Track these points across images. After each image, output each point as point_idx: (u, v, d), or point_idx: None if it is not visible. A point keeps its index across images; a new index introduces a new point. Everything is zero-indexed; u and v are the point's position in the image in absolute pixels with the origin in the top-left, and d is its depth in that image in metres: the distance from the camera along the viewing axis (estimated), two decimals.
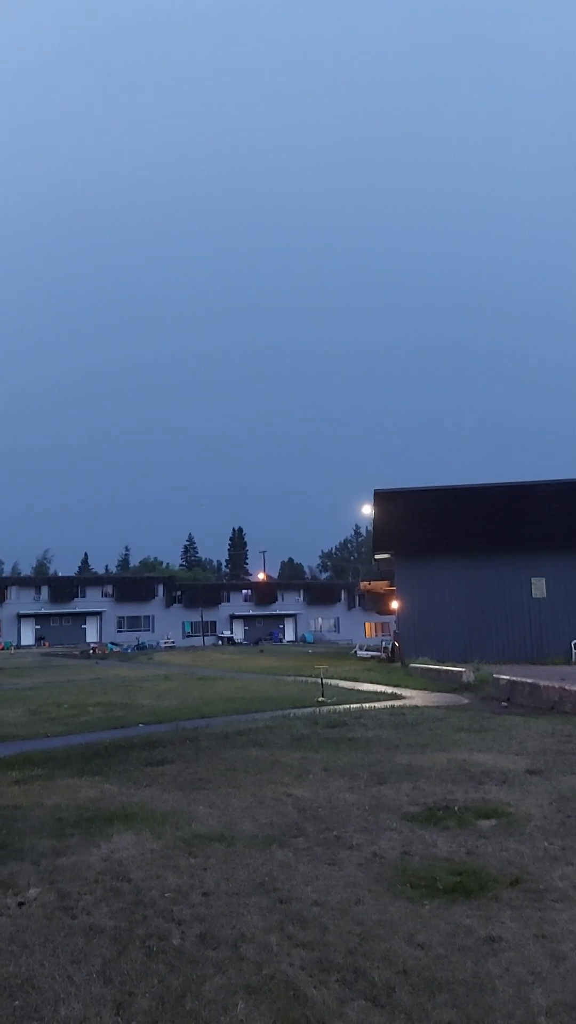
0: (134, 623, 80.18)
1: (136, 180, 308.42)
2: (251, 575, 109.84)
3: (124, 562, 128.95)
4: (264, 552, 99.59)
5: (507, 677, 19.95)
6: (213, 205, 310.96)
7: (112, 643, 71.75)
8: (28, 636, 75.98)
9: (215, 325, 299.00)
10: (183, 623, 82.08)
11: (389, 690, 21.85)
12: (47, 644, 72.04)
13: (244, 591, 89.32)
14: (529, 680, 18.51)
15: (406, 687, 22.89)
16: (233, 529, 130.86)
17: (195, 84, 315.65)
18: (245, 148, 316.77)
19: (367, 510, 44.21)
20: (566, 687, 16.51)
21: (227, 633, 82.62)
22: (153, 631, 79.37)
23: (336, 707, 17.08)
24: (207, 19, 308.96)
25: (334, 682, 24.01)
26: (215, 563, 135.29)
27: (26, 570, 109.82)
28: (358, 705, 17.53)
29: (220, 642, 78.86)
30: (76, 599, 79.90)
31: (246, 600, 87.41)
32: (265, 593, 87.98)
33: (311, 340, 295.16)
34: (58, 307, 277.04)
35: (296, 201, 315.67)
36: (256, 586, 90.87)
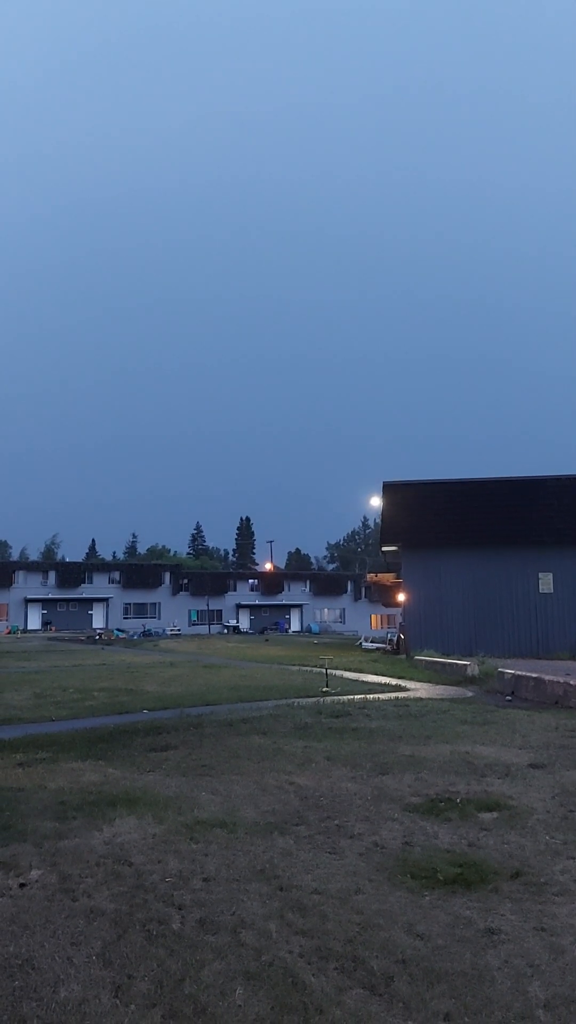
0: (140, 610, 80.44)
1: (148, 185, 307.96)
2: (258, 565, 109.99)
3: (131, 549, 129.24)
4: (271, 542, 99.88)
5: (512, 671, 19.92)
6: (227, 208, 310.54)
7: (118, 629, 72.00)
8: (35, 621, 76.32)
9: (227, 321, 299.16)
10: (189, 611, 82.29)
11: (393, 682, 21.85)
12: (53, 629, 72.37)
13: (251, 581, 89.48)
14: (534, 674, 18.48)
15: (411, 679, 22.88)
16: (241, 519, 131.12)
17: (205, 91, 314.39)
18: (256, 155, 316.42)
19: (375, 502, 44.14)
20: (571, 682, 16.48)
21: (233, 622, 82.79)
22: (159, 618, 79.63)
23: (340, 697, 17.09)
24: (221, 27, 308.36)
25: (339, 673, 24.03)
26: (222, 552, 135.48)
27: (34, 555, 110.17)
28: (362, 696, 17.53)
29: (226, 631, 79.01)
30: (83, 585, 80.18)
31: (252, 590, 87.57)
32: (272, 583, 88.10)
33: (323, 333, 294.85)
34: (71, 300, 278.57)
35: (304, 204, 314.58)
36: (263, 576, 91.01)
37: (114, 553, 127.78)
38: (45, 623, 75.63)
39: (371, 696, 17.54)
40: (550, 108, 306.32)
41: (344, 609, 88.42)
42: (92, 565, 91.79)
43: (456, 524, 36.83)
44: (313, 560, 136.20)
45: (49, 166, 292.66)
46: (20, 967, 4.12)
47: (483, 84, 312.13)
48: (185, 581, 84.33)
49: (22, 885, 5.32)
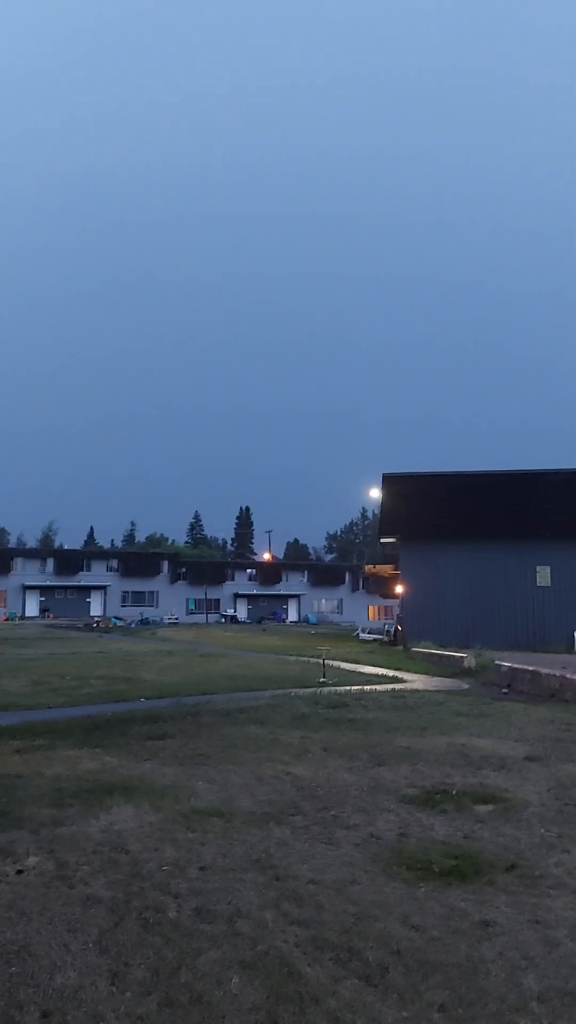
0: (138, 598, 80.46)
1: (148, 164, 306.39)
2: (256, 554, 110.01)
3: (130, 537, 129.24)
4: (270, 532, 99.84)
5: (508, 664, 19.97)
6: (226, 191, 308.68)
7: (116, 617, 72.04)
8: (33, 607, 76.33)
9: (226, 306, 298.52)
10: (187, 600, 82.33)
11: (390, 673, 21.89)
12: (51, 616, 72.39)
13: (249, 570, 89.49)
14: (530, 667, 18.53)
15: (407, 671, 22.94)
16: (240, 508, 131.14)
17: (205, 71, 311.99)
18: (255, 136, 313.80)
19: (375, 493, 44.15)
20: (567, 675, 16.53)
21: (231, 611, 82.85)
22: (157, 607, 79.65)
23: (337, 688, 17.13)
24: (217, 8, 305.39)
25: (336, 663, 24.08)
26: (221, 541, 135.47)
27: (31, 542, 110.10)
28: (359, 687, 17.58)
29: (223, 620, 79.08)
30: (81, 572, 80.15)
31: (251, 579, 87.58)
32: (270, 573, 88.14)
33: (323, 323, 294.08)
34: (70, 286, 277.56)
35: (307, 187, 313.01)
36: (261, 566, 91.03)
37: (112, 541, 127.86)
38: (43, 610, 75.63)
39: (368, 687, 17.58)
40: (551, 89, 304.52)
41: (342, 600, 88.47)
42: (90, 553, 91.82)
43: (455, 516, 36.88)
44: (311, 550, 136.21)
45: (45, 146, 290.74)
46: (17, 953, 4.14)
47: (486, 59, 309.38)
48: (183, 570, 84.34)
49: (19, 872, 5.34)
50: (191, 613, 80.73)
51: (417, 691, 17.23)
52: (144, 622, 70.69)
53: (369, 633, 50.07)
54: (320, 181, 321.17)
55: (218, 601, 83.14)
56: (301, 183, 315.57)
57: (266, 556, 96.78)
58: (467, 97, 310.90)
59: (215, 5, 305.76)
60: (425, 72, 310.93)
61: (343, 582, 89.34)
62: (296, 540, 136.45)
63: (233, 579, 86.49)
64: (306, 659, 26.44)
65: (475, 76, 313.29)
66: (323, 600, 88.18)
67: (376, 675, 21.35)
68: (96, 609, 77.77)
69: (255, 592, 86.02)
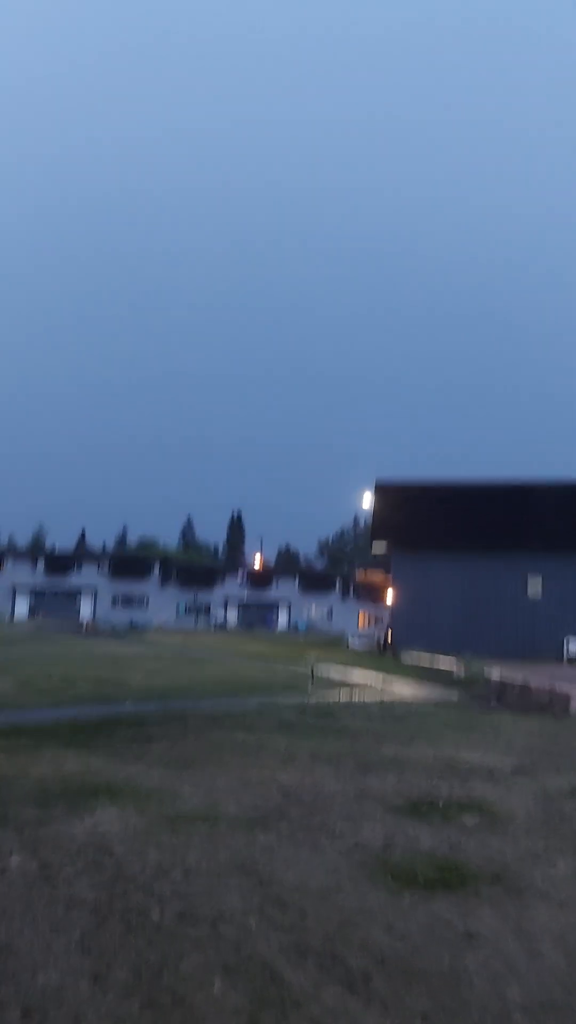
0: (128, 601, 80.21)
1: (147, 188, 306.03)
2: (248, 560, 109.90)
3: (122, 540, 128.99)
4: (262, 538, 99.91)
5: (498, 675, 19.99)
6: (220, 173, 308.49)
7: (105, 620, 71.83)
8: (22, 608, 76.07)
9: (220, 311, 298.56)
10: (177, 604, 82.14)
11: (379, 682, 21.88)
12: (41, 617, 72.14)
13: (239, 575, 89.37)
14: (519, 678, 18.56)
15: (396, 679, 22.91)
16: (232, 513, 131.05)
17: (206, 99, 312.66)
18: (255, 124, 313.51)
19: (367, 501, 44.18)
20: (556, 688, 16.55)
21: (220, 616, 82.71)
22: (147, 610, 79.41)
23: (325, 696, 17.11)
24: (221, 36, 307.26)
25: (325, 671, 24.05)
26: (212, 546, 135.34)
27: (22, 543, 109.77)
28: (347, 695, 17.56)
29: (213, 625, 78.92)
30: (71, 574, 79.94)
31: (241, 584, 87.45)
32: (260, 579, 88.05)
33: (318, 328, 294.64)
34: (62, 288, 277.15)
35: (302, 176, 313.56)
36: (252, 571, 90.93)
37: (104, 543, 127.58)
38: (32, 611, 75.40)
39: (356, 696, 17.56)
40: (548, 97, 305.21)
41: (332, 607, 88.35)
42: (81, 554, 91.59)
43: (447, 525, 36.97)
44: (302, 557, 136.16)
45: (30, 162, 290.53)
46: None
47: (491, 38, 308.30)
48: (174, 574, 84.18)
49: (1, 871, 5.31)
50: (181, 617, 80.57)
51: (405, 700, 17.22)
52: (133, 625, 70.51)
53: (359, 640, 50.03)
54: (309, 193, 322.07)
55: (208, 606, 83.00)
56: (298, 168, 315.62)
57: (257, 561, 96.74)
58: (466, 103, 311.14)
59: (216, 34, 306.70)
60: (426, 49, 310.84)
61: (333, 589, 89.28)
62: (287, 546, 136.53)
63: (223, 584, 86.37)
64: (295, 666, 26.40)
65: (478, 54, 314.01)
66: (313, 607, 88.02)
67: (365, 684, 21.34)
68: (86, 611, 77.49)
69: (245, 598, 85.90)
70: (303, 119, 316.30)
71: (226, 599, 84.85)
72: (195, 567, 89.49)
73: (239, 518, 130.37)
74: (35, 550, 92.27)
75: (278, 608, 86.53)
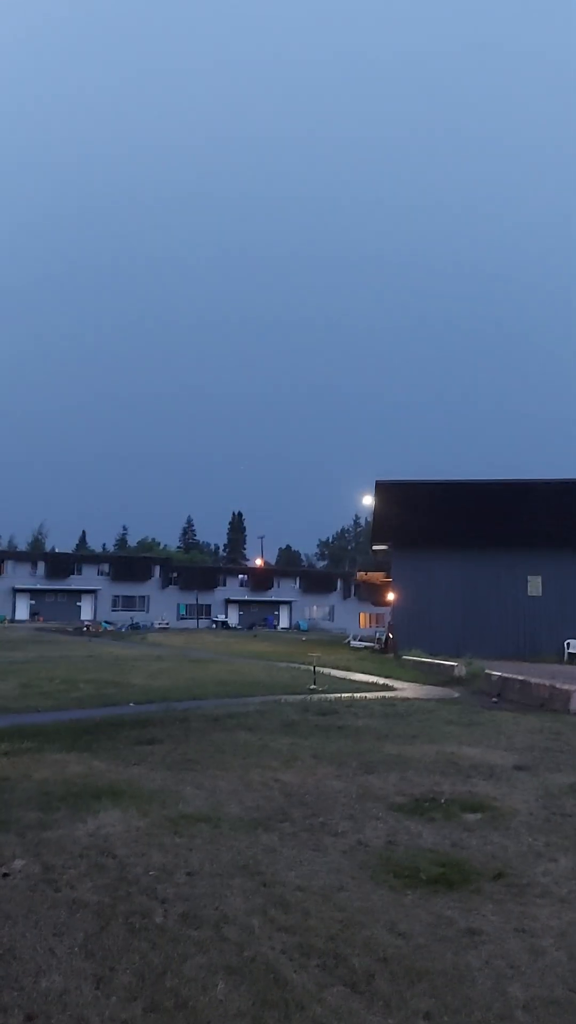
0: (129, 603, 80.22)
1: (142, 189, 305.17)
2: (248, 560, 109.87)
3: (122, 541, 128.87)
4: (262, 538, 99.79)
5: (499, 673, 20.00)
6: (220, 185, 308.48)
7: (106, 621, 71.82)
8: (23, 611, 76.01)
9: (220, 310, 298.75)
10: (178, 605, 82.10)
11: (381, 681, 21.89)
12: (41, 619, 72.10)
13: (240, 576, 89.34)
14: (520, 677, 18.57)
15: (398, 678, 22.92)
16: (233, 514, 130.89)
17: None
18: (255, 118, 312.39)
19: (368, 501, 44.20)
20: (556, 685, 16.56)
21: (222, 617, 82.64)
22: (148, 611, 79.42)
23: (327, 695, 17.11)
24: (223, 32, 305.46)
25: (326, 670, 24.02)
26: (213, 547, 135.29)
27: (22, 545, 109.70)
28: (349, 694, 17.56)
29: (214, 626, 78.85)
30: (72, 576, 79.89)
31: (242, 585, 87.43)
32: (261, 579, 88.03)
33: (319, 328, 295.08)
34: (63, 289, 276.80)
35: (301, 188, 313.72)
36: (253, 571, 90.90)
37: (104, 545, 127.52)
38: (33, 613, 75.31)
39: (358, 695, 17.56)
40: (550, 112, 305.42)
41: (333, 607, 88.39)
42: (82, 556, 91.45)
43: (447, 525, 36.93)
44: (303, 557, 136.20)
45: (45, 176, 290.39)
46: (2, 957, 4.12)
47: (490, 45, 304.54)
48: (175, 575, 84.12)
49: (5, 875, 5.32)
50: (182, 618, 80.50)
51: (407, 699, 17.23)
52: (134, 627, 70.48)
53: (360, 640, 49.98)
54: (322, 166, 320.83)
55: (209, 607, 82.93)
56: (304, 169, 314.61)
57: (258, 562, 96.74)
58: (478, 81, 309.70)
59: (219, 31, 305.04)
60: (428, 56, 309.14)
61: (334, 589, 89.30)
62: (288, 546, 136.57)
63: (224, 585, 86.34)
64: (296, 665, 26.41)
65: (480, 63, 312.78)
66: (314, 607, 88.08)
67: (366, 683, 21.34)
68: (87, 613, 77.51)
69: (246, 598, 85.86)
70: (302, 134, 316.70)
71: (227, 600, 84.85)
72: (196, 568, 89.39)
73: (240, 518, 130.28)
74: (36, 552, 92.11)
75: (279, 608, 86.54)
